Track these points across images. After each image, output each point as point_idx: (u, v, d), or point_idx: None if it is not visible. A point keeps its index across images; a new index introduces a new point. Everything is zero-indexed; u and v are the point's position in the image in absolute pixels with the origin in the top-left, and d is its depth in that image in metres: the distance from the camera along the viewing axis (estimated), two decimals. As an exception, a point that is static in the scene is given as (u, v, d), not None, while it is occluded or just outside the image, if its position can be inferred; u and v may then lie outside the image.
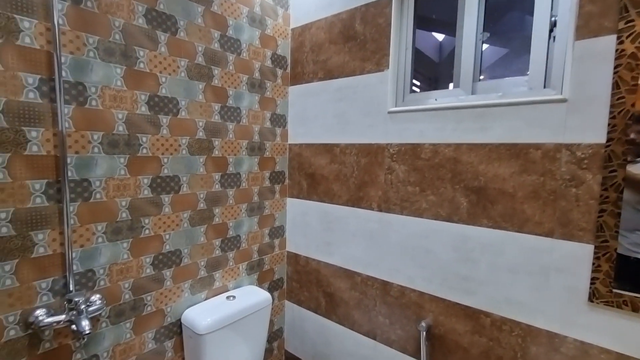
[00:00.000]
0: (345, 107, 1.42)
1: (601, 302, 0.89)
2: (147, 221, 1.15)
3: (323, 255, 1.56)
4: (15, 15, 0.85)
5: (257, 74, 1.47)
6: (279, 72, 1.58)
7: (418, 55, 1.35)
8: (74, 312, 0.94)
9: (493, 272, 1.07)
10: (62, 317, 0.94)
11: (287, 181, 1.68)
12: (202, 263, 1.34)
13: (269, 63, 1.53)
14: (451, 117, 1.13)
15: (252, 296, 1.40)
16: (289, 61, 1.62)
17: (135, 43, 1.08)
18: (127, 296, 1.12)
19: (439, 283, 1.19)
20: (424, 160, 1.20)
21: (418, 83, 1.40)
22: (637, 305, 0.85)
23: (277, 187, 1.63)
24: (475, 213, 1.10)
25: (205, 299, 1.36)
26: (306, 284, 1.65)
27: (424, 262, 1.23)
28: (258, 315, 1.40)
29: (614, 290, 0.87)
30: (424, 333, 1.22)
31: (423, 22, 1.33)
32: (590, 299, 0.91)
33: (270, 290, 1.66)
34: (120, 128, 1.07)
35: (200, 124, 1.27)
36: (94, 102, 1.01)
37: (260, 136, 1.52)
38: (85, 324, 0.91)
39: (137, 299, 1.15)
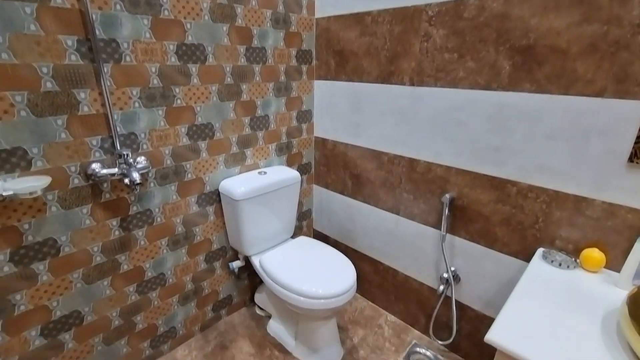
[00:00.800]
0: (379, -34, 1.25)
1: (642, 161, 0.86)
2: (177, 90, 1.17)
3: (350, 137, 1.57)
4: None
5: None
6: None
7: None
8: (125, 166, 1.04)
9: (528, 140, 1.04)
10: (115, 170, 1.04)
11: (314, 62, 1.61)
12: (234, 139, 1.40)
13: None
14: (505, -38, 0.96)
15: (282, 173, 1.48)
16: None
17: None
18: (168, 161, 1.22)
19: (468, 156, 1.18)
20: (466, 21, 1.07)
21: None
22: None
23: (304, 68, 1.57)
24: (517, 77, 1.01)
25: (239, 173, 1.46)
26: (333, 168, 1.71)
27: (454, 135, 1.20)
28: (288, 190, 1.49)
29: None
30: (447, 204, 1.26)
31: None
32: (631, 159, 0.87)
33: (299, 172, 1.74)
34: (155, 81, 1.11)
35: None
36: (128, 58, 1.03)
37: (285, 6, 1.40)
38: (136, 175, 1.01)
39: (178, 165, 1.25)
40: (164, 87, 1.13)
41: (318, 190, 1.85)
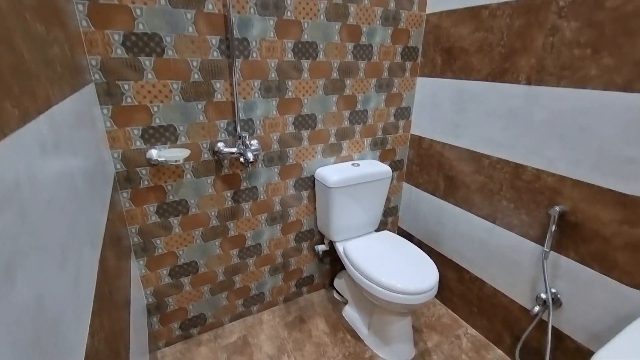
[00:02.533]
0: (504, -44, 1.17)
1: None
2: (289, 83, 1.31)
3: (449, 137, 1.51)
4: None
5: None
6: None
7: None
8: (242, 146, 1.23)
9: (677, 154, 0.86)
10: (234, 149, 1.23)
11: (419, 59, 1.59)
12: (333, 131, 1.49)
13: None
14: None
15: (374, 167, 1.52)
16: None
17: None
18: (275, 146, 1.38)
19: (590, 166, 1.04)
20: (608, 11, 0.94)
21: None
22: None
23: (409, 65, 1.57)
24: (671, 78, 0.85)
25: (334, 163, 1.56)
26: (427, 167, 1.68)
27: (574, 142, 1.07)
28: (378, 184, 1.53)
29: None
30: (555, 218, 1.13)
31: None
32: None
33: (391, 168, 1.76)
34: (273, 75, 1.27)
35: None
36: (254, 54, 1.20)
37: (396, 3, 1.42)
38: (250, 155, 1.18)
39: (282, 150, 1.40)
40: (279, 80, 1.28)
41: (408, 188, 1.83)
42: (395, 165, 1.77)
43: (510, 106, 1.24)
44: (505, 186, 1.31)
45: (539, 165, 1.18)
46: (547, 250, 1.17)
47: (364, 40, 1.40)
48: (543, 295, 1.21)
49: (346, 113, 1.50)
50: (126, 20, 0.98)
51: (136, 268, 1.23)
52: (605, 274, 1.05)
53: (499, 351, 1.46)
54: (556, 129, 1.11)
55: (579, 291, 1.13)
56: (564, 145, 1.10)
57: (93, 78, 0.99)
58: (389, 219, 1.92)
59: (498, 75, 1.26)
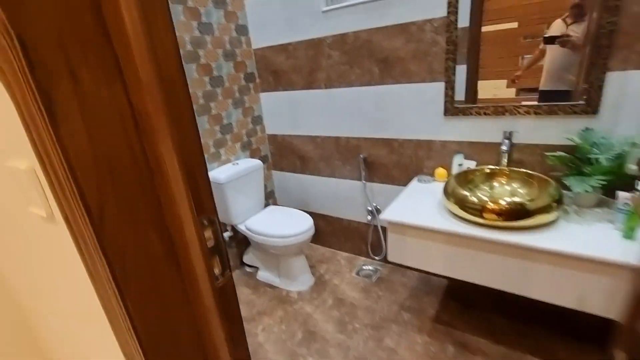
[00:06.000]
0: (290, 13, 1.88)
1: (450, 114, 1.58)
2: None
3: (293, 130, 2.18)
4: None
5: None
6: (235, -12, 1.96)
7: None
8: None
9: (398, 113, 1.74)
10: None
11: (257, 80, 2.19)
12: (211, 143, 1.94)
13: (225, -19, 1.89)
14: (364, 9, 1.64)
15: (249, 163, 2.05)
16: (240, -23, 1.98)
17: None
18: (169, 164, 1.73)
19: (368, 128, 1.86)
20: (349, 45, 1.75)
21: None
22: (468, 112, 1.53)
23: (251, 85, 2.16)
24: (383, 76, 1.70)
25: (218, 167, 2.00)
26: (285, 155, 2.31)
27: (357, 117, 1.88)
28: (255, 175, 2.07)
29: (458, 105, 1.55)
30: (362, 162, 1.93)
31: None
32: (445, 114, 1.59)
33: (261, 161, 2.32)
34: None
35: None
36: None
37: (231, 44, 1.97)
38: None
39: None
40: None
41: (276, 174, 2.44)
42: (263, 159, 2.34)
43: (321, 103, 1.98)
44: (333, 152, 2.07)
45: (346, 134, 1.96)
46: (364, 182, 1.97)
47: (215, 73, 1.90)
48: (370, 208, 2.01)
49: (217, 127, 1.96)
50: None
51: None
52: (391, 184, 1.90)
53: (362, 258, 2.24)
54: (348, 112, 1.90)
55: (385, 199, 1.96)
56: (354, 120, 1.90)
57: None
58: (270, 201, 2.49)
59: (308, 85, 1.98)
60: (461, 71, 1.51)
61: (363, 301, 1.87)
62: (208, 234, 0.59)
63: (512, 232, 1.16)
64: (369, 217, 2.03)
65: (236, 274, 2.21)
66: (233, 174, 1.91)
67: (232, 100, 2.03)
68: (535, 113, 1.38)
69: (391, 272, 2.08)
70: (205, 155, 1.91)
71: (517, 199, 1.32)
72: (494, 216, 1.20)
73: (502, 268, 1.19)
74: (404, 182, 1.84)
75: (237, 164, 2.02)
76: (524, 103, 1.41)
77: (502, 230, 1.18)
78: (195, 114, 1.83)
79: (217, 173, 1.89)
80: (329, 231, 2.34)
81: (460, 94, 1.54)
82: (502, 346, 1.48)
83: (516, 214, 1.19)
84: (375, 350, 1.56)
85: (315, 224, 2.35)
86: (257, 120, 2.25)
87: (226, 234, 2.08)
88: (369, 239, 2.12)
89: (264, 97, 2.22)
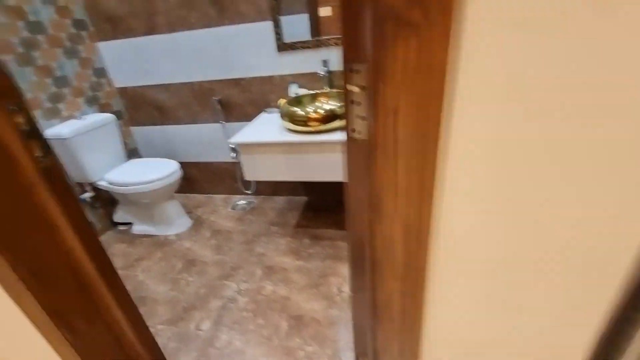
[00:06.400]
0: None
1: (281, 50, 1.85)
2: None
3: (144, 80, 2.16)
4: None
5: None
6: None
7: None
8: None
9: (239, 53, 1.92)
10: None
11: (91, 28, 2.05)
12: (44, 97, 1.79)
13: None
14: None
15: (98, 117, 1.97)
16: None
17: None
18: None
19: (217, 70, 2.00)
20: None
21: None
22: (295, 46, 1.81)
23: (84, 33, 2.01)
24: (220, 18, 1.84)
25: (60, 123, 1.87)
26: (141, 108, 2.28)
27: (205, 60, 1.99)
28: (107, 128, 2.01)
29: (286, 41, 1.82)
30: (218, 104, 2.09)
31: None
32: (278, 50, 1.85)
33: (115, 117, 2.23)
34: None
35: None
36: None
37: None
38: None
39: None
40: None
41: (137, 130, 2.38)
42: (118, 115, 2.25)
43: (167, 49, 2.01)
44: (190, 97, 2.15)
45: (198, 79, 2.06)
46: (222, 122, 2.14)
47: (32, 18, 1.72)
48: (232, 145, 2.21)
49: (49, 80, 1.81)
50: None
51: None
52: (247, 121, 2.12)
53: (237, 196, 2.46)
54: (195, 56, 1.99)
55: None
56: (202, 63, 2.00)
57: None
58: (134, 158, 2.44)
59: (149, 30, 1.97)
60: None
61: (237, 227, 2.12)
62: (19, 119, 0.70)
63: (329, 134, 1.53)
64: (233, 155, 2.23)
65: (108, 236, 2.17)
66: (80, 128, 1.83)
67: (63, 50, 1.88)
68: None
69: (263, 201, 2.37)
70: (39, 111, 1.78)
71: (329, 107, 1.70)
72: (316, 123, 1.54)
73: (326, 163, 1.57)
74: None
75: (85, 118, 1.93)
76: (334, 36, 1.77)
77: (322, 133, 1.54)
78: (15, 64, 1.67)
79: (60, 128, 1.79)
80: (202, 177, 2.46)
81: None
82: (345, 231, 1.94)
83: (330, 118, 1.55)
84: (248, 258, 1.84)
85: (187, 172, 2.46)
86: (100, 72, 2.13)
87: (87, 194, 2.00)
88: (238, 176, 2.34)
89: (104, 46, 2.10)
